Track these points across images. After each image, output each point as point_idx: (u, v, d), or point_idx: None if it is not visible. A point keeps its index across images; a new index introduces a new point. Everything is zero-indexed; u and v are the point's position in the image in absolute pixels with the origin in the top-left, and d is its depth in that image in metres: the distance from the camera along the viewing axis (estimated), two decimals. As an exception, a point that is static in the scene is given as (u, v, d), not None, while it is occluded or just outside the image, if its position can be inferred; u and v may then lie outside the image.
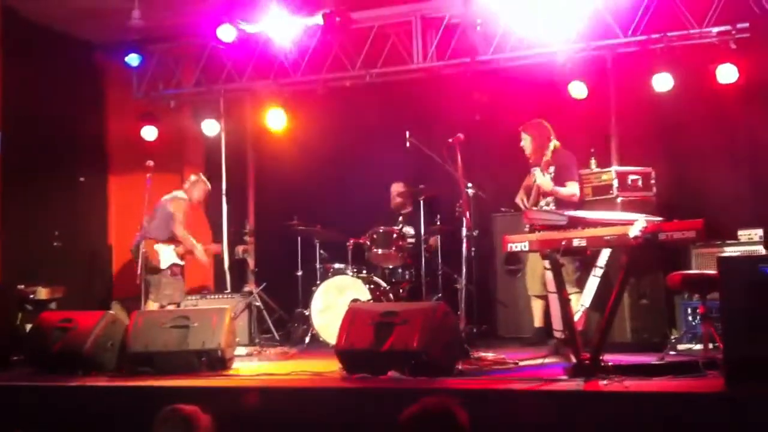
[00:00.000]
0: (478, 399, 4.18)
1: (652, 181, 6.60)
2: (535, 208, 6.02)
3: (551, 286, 5.52)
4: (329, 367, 5.25)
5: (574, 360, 4.61)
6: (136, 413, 4.17)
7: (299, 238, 7.81)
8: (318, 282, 7.28)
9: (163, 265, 6.91)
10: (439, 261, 7.30)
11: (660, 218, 4.52)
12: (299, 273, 7.78)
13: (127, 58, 7.89)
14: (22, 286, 6.83)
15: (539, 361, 5.37)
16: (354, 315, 5.21)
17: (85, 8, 7.26)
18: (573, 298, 5.34)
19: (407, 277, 7.45)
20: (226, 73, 7.97)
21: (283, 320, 7.97)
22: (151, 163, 6.78)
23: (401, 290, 7.33)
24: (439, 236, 7.41)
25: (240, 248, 8.52)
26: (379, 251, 7.28)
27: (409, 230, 7.43)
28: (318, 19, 7.22)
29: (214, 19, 7.29)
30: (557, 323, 5.70)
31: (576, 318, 4.91)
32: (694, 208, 6.04)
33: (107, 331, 5.61)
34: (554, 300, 5.69)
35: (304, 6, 7.26)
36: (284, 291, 7.97)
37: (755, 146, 6.84)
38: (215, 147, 8.69)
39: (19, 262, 7.27)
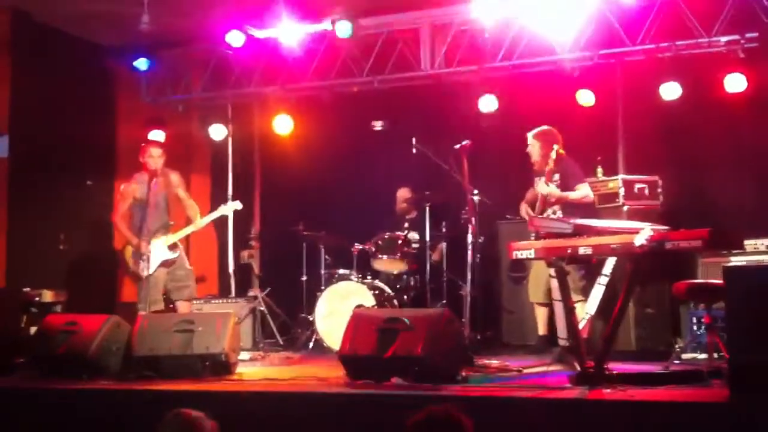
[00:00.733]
0: (481, 406, 4.17)
1: (659, 190, 6.58)
2: (541, 216, 6.00)
3: (556, 293, 5.52)
4: (333, 372, 5.24)
5: (578, 368, 4.59)
6: (140, 417, 4.17)
7: (304, 243, 7.82)
8: (322, 287, 7.28)
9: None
10: (444, 267, 7.30)
11: (666, 227, 4.51)
12: (304, 278, 7.79)
13: (136, 63, 7.92)
14: (28, 289, 6.84)
15: (543, 368, 5.36)
16: (358, 321, 5.21)
17: (96, 12, 7.30)
18: (578, 306, 5.32)
19: (412, 283, 7.44)
20: (234, 79, 7.99)
21: (287, 325, 7.98)
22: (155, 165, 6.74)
23: (406, 296, 7.32)
24: (444, 243, 7.41)
25: (245, 253, 8.54)
26: (384, 257, 7.28)
27: (414, 236, 7.43)
28: (326, 25, 7.24)
29: (223, 24, 7.31)
30: (562, 331, 5.70)
31: (580, 326, 4.89)
32: (700, 217, 6.03)
33: (112, 335, 5.61)
34: (559, 307, 5.69)
35: (312, 12, 7.28)
36: (289, 296, 7.97)
37: (762, 156, 6.82)
38: (222, 152, 8.72)
39: (25, 264, 7.29)
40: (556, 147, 6.00)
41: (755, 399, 3.81)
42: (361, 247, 7.46)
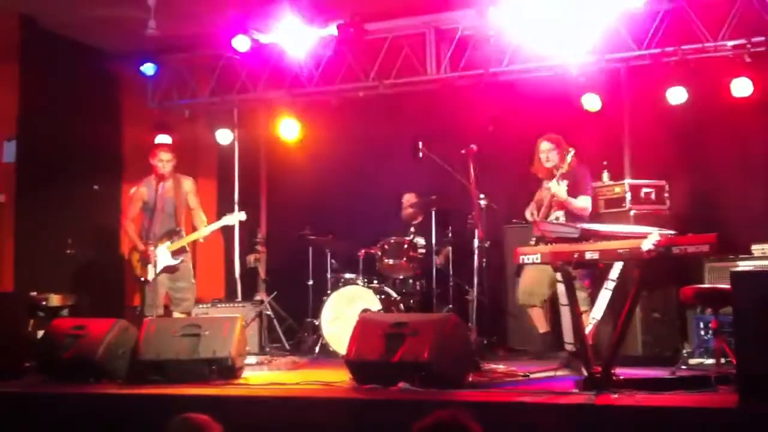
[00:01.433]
0: (488, 411, 4.16)
1: (666, 195, 6.57)
2: (548, 221, 6.00)
3: (563, 298, 5.51)
4: (339, 377, 5.24)
5: (585, 373, 4.58)
6: (147, 421, 4.18)
7: (310, 248, 7.82)
8: (329, 292, 7.28)
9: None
10: (451, 272, 7.30)
11: (673, 232, 4.50)
12: (310, 282, 7.79)
13: (142, 68, 7.96)
14: (35, 293, 6.86)
15: (550, 373, 5.34)
16: (364, 325, 5.20)
17: (103, 18, 7.32)
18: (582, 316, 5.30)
19: (418, 287, 7.44)
20: (240, 84, 8.01)
21: (294, 330, 7.98)
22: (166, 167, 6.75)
23: (412, 301, 7.32)
24: (450, 247, 7.40)
25: (251, 257, 8.55)
26: (390, 261, 7.28)
27: (420, 241, 7.42)
28: (332, 30, 7.26)
29: (229, 29, 7.34)
30: (568, 336, 5.69)
31: (587, 331, 4.88)
32: (707, 221, 6.00)
33: (119, 339, 5.62)
34: (566, 312, 5.68)
35: (318, 17, 7.29)
36: (295, 300, 7.98)
37: (770, 160, 6.81)
38: (229, 156, 8.73)
39: (32, 268, 7.31)
40: (573, 151, 6.00)
41: (763, 405, 3.80)
42: (367, 251, 7.46)
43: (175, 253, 6.64)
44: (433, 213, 7.20)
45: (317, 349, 7.21)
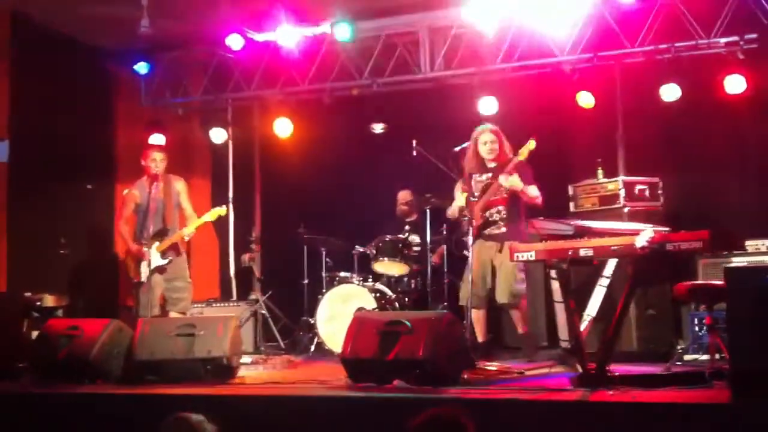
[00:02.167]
0: (483, 409, 4.17)
1: (660, 191, 6.58)
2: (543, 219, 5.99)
3: (557, 295, 5.52)
4: (334, 375, 5.24)
5: (580, 370, 4.59)
6: (142, 421, 4.18)
7: (305, 246, 7.81)
8: (324, 290, 7.28)
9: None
10: (445, 270, 7.30)
11: (667, 228, 4.52)
12: (305, 281, 7.78)
13: (135, 66, 7.93)
14: (29, 294, 6.82)
15: (545, 370, 5.35)
16: (359, 324, 5.20)
17: (95, 16, 7.28)
18: None
19: (413, 285, 7.44)
20: (233, 82, 8.00)
21: (289, 328, 7.97)
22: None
23: (407, 299, 7.32)
24: (445, 245, 7.40)
25: (246, 256, 8.54)
26: (385, 260, 7.28)
27: (415, 239, 7.42)
28: (325, 28, 7.25)
29: (223, 28, 7.33)
30: (563, 333, 5.70)
31: (582, 328, 4.89)
32: (701, 218, 6.02)
33: (113, 339, 5.60)
34: (560, 309, 5.69)
35: (311, 15, 7.28)
36: (290, 299, 7.97)
37: (763, 156, 6.83)
38: (222, 155, 8.73)
39: (26, 269, 7.28)
40: (533, 141, 5.90)
41: (757, 400, 3.81)
42: (362, 249, 7.46)
43: (163, 253, 6.63)
44: (428, 211, 7.20)
45: (312, 347, 7.21)
